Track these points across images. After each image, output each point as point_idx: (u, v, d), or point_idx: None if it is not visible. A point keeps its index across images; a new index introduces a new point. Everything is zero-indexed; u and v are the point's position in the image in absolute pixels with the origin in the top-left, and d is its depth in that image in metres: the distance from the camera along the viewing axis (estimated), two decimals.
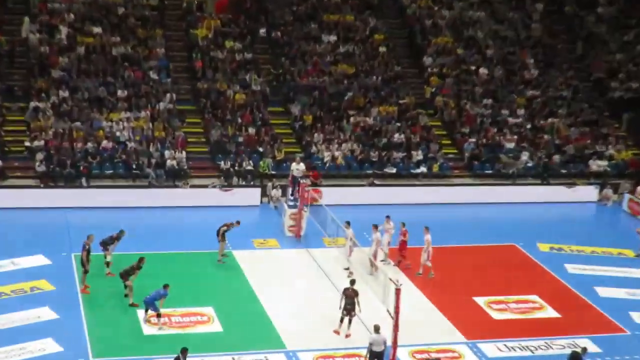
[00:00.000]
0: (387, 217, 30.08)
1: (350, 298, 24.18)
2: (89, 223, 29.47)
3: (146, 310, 24.14)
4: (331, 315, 24.57)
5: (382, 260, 28.93)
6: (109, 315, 24.72)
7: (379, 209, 32.77)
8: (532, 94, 42.93)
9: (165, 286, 24.18)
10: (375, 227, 29.04)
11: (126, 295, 25.45)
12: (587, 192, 38.39)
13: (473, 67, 43.45)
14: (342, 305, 24.27)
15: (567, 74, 44.58)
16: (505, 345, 24.41)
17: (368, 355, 22.00)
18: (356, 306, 24.22)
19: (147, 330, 23.81)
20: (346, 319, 24.23)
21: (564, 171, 39.43)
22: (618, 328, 25.77)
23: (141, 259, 25.64)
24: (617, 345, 24.46)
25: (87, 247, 26.24)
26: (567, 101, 42.91)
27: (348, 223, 29.01)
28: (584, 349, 22.12)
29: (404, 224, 29.66)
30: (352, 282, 24.83)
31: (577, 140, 40.74)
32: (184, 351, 20.47)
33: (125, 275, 25.32)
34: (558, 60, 45.30)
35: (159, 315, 23.88)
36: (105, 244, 27.04)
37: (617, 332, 25.50)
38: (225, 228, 28.95)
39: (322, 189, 34.94)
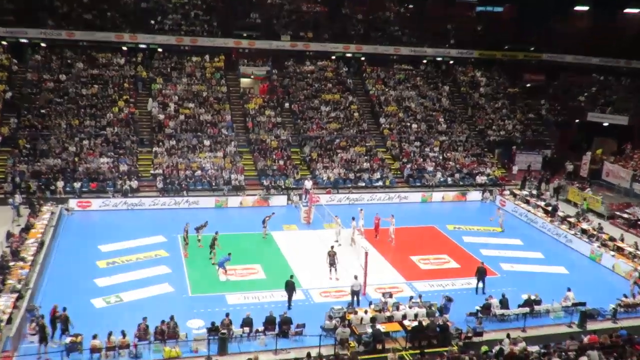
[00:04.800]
0: (361, 209, 29.57)
1: (331, 257, 24.01)
2: (187, 217, 29.39)
3: (219, 267, 24.04)
4: (328, 268, 24.31)
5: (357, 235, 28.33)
6: (200, 270, 24.68)
7: (356, 206, 32.62)
8: (442, 139, 42.68)
9: (229, 254, 24.09)
10: (353, 218, 28.30)
11: (210, 259, 25.35)
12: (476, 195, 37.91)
13: (408, 124, 43.27)
14: (328, 262, 24.01)
15: (462, 126, 44.35)
16: (428, 283, 24.37)
17: (350, 292, 21.81)
18: (335, 261, 23.97)
19: (222, 278, 23.84)
20: (333, 269, 23.99)
21: (461, 183, 39.02)
22: (493, 273, 25.59)
23: (216, 232, 25.96)
24: (492, 283, 24.24)
25: (186, 229, 26.28)
26: (463, 143, 42.73)
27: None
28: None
29: (377, 214, 29.39)
30: (332, 247, 24.55)
31: (469, 165, 40.50)
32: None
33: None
34: (457, 119, 45.08)
35: (225, 271, 23.81)
36: (198, 229, 27.07)
37: (494, 275, 25.28)
38: (267, 218, 28.85)
39: (320, 196, 34.14)
